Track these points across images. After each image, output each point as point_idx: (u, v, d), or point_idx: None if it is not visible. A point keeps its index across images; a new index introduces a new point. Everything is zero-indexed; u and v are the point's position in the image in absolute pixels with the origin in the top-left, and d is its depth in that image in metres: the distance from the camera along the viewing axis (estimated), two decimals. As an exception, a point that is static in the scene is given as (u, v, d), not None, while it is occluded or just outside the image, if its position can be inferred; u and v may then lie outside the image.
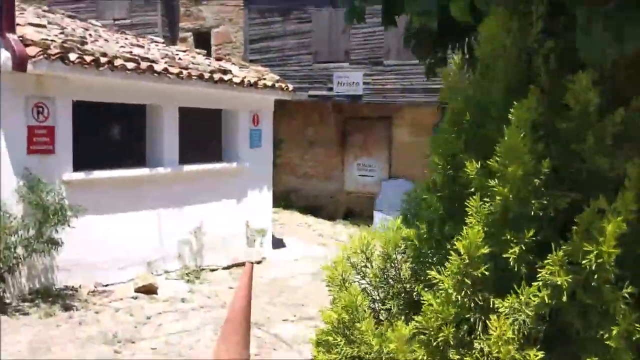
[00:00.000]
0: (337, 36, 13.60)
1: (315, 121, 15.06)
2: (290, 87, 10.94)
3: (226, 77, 9.29)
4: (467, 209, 1.59)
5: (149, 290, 7.66)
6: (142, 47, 9.68)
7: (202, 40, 16.46)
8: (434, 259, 1.79)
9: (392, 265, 2.20)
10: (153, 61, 8.26)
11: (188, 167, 9.01)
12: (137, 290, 7.63)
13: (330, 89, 13.76)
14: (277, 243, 11.36)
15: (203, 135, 9.67)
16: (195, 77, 8.67)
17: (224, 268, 9.44)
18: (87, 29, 9.51)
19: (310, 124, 15.17)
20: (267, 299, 7.91)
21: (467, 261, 1.60)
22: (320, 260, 10.84)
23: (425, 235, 1.80)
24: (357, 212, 14.49)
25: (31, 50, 6.71)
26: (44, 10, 10.19)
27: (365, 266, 2.38)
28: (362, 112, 14.37)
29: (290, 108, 13.76)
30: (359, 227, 14.00)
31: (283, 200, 14.51)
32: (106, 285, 7.68)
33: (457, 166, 1.57)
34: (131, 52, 8.47)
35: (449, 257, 1.70)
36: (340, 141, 14.80)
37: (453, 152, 1.62)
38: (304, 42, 14.03)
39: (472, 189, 1.51)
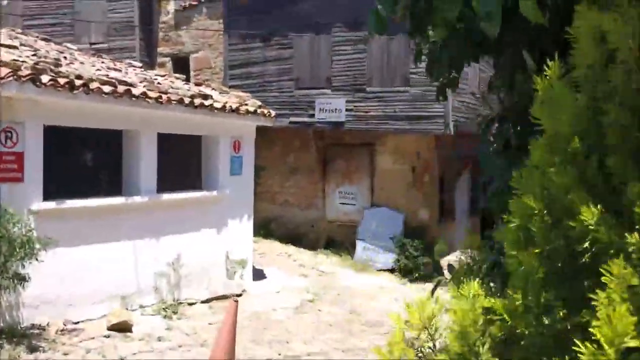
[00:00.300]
0: (319, 62, 13.39)
1: (296, 148, 14.76)
2: (273, 113, 10.64)
3: (207, 102, 8.95)
4: (589, 276, 1.14)
5: (123, 327, 7.17)
6: (120, 70, 9.31)
7: (181, 65, 16.14)
8: (537, 343, 1.29)
9: (470, 349, 1.49)
10: (131, 85, 7.90)
11: (166, 196, 8.59)
12: (110, 327, 7.13)
13: (312, 116, 13.49)
14: (258, 274, 10.92)
15: (182, 162, 9.28)
16: (175, 102, 8.32)
17: (203, 302, 8.97)
18: (61, 52, 9.13)
19: (291, 151, 14.86)
20: (250, 336, 7.48)
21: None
22: (302, 292, 10.49)
23: (519, 309, 1.33)
24: (338, 241, 14.13)
25: (0, 72, 6.30)
26: (18, 32, 9.79)
27: (432, 350, 1.67)
28: (345, 139, 14.12)
29: (271, 135, 13.44)
30: (341, 257, 13.66)
31: (262, 229, 14.08)
32: (77, 323, 7.16)
33: (564, 212, 1.20)
34: (108, 75, 8.10)
35: (572, 346, 1.13)
36: (322, 168, 14.50)
37: (555, 193, 1.22)
38: (285, 68, 13.79)
39: (588, 244, 1.14)
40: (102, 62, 9.79)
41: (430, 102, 12.24)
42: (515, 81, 2.28)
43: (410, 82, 12.44)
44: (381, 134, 13.39)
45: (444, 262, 13.52)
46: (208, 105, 8.93)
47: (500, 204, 2.08)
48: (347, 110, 13.11)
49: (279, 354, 7.01)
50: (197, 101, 8.73)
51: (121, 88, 7.56)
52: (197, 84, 11.03)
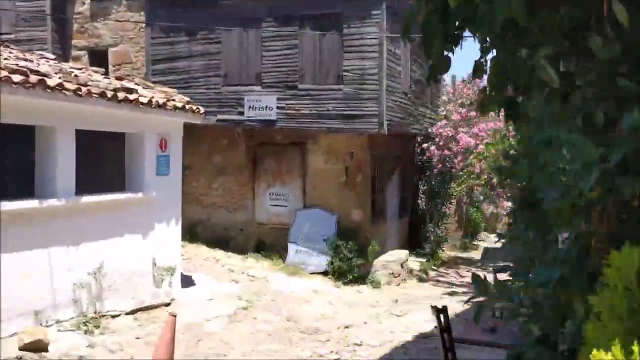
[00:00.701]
0: (248, 58, 12.84)
1: (224, 147, 14.13)
2: (202, 109, 10.03)
3: (132, 97, 8.24)
4: None
5: (37, 347, 6.38)
6: (31, 61, 8.41)
7: (98, 59, 15.08)
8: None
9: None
10: (45, 75, 7.09)
11: (86, 198, 7.80)
12: (23, 347, 6.32)
13: (241, 113, 12.92)
14: (185, 281, 10.25)
15: (104, 162, 8.51)
16: (96, 95, 7.56)
17: (128, 313, 8.25)
18: (-38, 38, 8.13)
19: (218, 151, 14.21)
20: (183, 350, 6.86)
21: None
22: (235, 299, 9.91)
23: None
24: (269, 244, 13.63)
25: None
26: None
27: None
28: (275, 138, 13.64)
29: (197, 133, 12.77)
30: (272, 261, 13.16)
31: (188, 232, 13.34)
32: (-17, 343, 6.31)
33: None
34: (17, 64, 7.23)
35: None
36: (252, 169, 13.94)
37: None
38: (213, 64, 13.14)
39: None
40: (10, 52, 8.84)
41: (364, 101, 11.99)
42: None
43: (343, 79, 12.13)
44: (313, 132, 13.02)
45: (377, 263, 13.32)
46: (133, 100, 8.22)
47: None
48: (278, 108, 12.64)
49: (217, 370, 6.46)
50: (120, 95, 8.00)
51: (34, 78, 6.75)
52: (118, 78, 10.22)
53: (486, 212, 25.03)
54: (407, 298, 12.28)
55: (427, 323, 9.99)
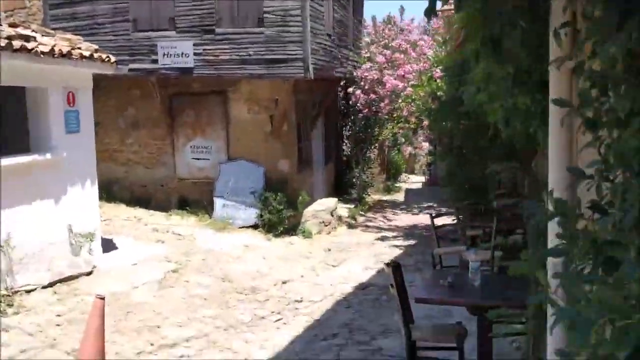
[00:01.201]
0: (160, 0, 11.78)
1: (137, 99, 13.12)
2: (112, 58, 9.08)
3: (30, 45, 7.23)
4: None
5: (-59, 336, 5.60)
6: None
7: (-14, 4, 13.46)
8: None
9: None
10: None
11: (-16, 164, 6.87)
12: None
13: (155, 62, 11.93)
14: (107, 245, 9.50)
15: (2, 121, 7.51)
16: (-14, 45, 6.54)
17: (45, 287, 7.48)
18: None
19: (131, 103, 13.20)
20: (112, 324, 6.26)
21: None
22: (163, 261, 9.29)
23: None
24: (193, 200, 12.96)
25: None
26: None
27: None
28: (193, 87, 12.78)
29: (106, 85, 11.72)
30: (198, 217, 12.55)
31: (104, 192, 12.42)
32: None
33: None
34: None
35: None
36: (169, 121, 13.06)
37: None
38: (120, 8, 11.96)
39: None
40: None
41: (287, 44, 11.34)
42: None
43: (264, 22, 11.38)
44: (235, 80, 12.27)
45: (307, 213, 13.00)
46: (32, 49, 7.22)
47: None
48: (195, 54, 11.75)
49: (151, 344, 5.93)
50: (16, 44, 6.99)
51: None
52: (12, 25, 9.02)
53: (405, 153, 25.34)
54: (339, 246, 12.09)
55: (364, 272, 9.83)
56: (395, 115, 13.60)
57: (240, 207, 12.45)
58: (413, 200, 21.20)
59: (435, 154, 25.71)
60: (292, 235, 12.37)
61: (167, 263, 9.09)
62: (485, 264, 6.02)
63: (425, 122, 11.40)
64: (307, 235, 12.52)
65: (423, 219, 16.56)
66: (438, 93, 11.41)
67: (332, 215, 13.71)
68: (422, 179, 28.02)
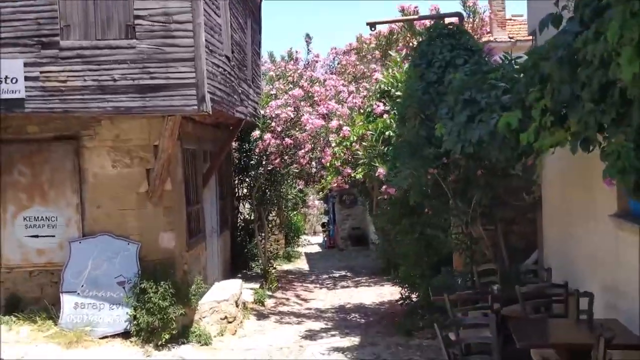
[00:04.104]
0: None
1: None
2: None
3: None
4: None
5: None
6: None
7: None
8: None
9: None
10: None
11: None
12: None
13: (-37, 91, 7.74)
14: None
15: None
16: None
17: None
18: None
19: None
20: None
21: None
22: None
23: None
24: (28, 299, 8.65)
25: None
26: None
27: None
28: (27, 130, 8.65)
29: None
30: (37, 325, 8.28)
31: None
32: None
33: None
34: None
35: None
36: (-10, 182, 8.74)
37: None
38: None
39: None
40: None
41: (172, 63, 7.71)
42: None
43: (136, 31, 7.70)
44: (92, 118, 8.36)
45: (203, 306, 9.15)
46: None
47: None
48: (27, 79, 7.75)
49: None
50: None
51: None
52: None
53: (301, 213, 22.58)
54: (254, 355, 8.38)
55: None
56: (328, 164, 10.15)
57: (102, 307, 8.38)
58: (319, 268, 17.97)
59: (334, 213, 22.87)
60: (182, 343, 8.42)
61: None
62: None
63: (380, 171, 8.07)
64: (204, 340, 8.65)
65: (344, 295, 13.27)
66: (386, 132, 8.33)
67: (238, 306, 9.92)
68: (316, 239, 25.34)
